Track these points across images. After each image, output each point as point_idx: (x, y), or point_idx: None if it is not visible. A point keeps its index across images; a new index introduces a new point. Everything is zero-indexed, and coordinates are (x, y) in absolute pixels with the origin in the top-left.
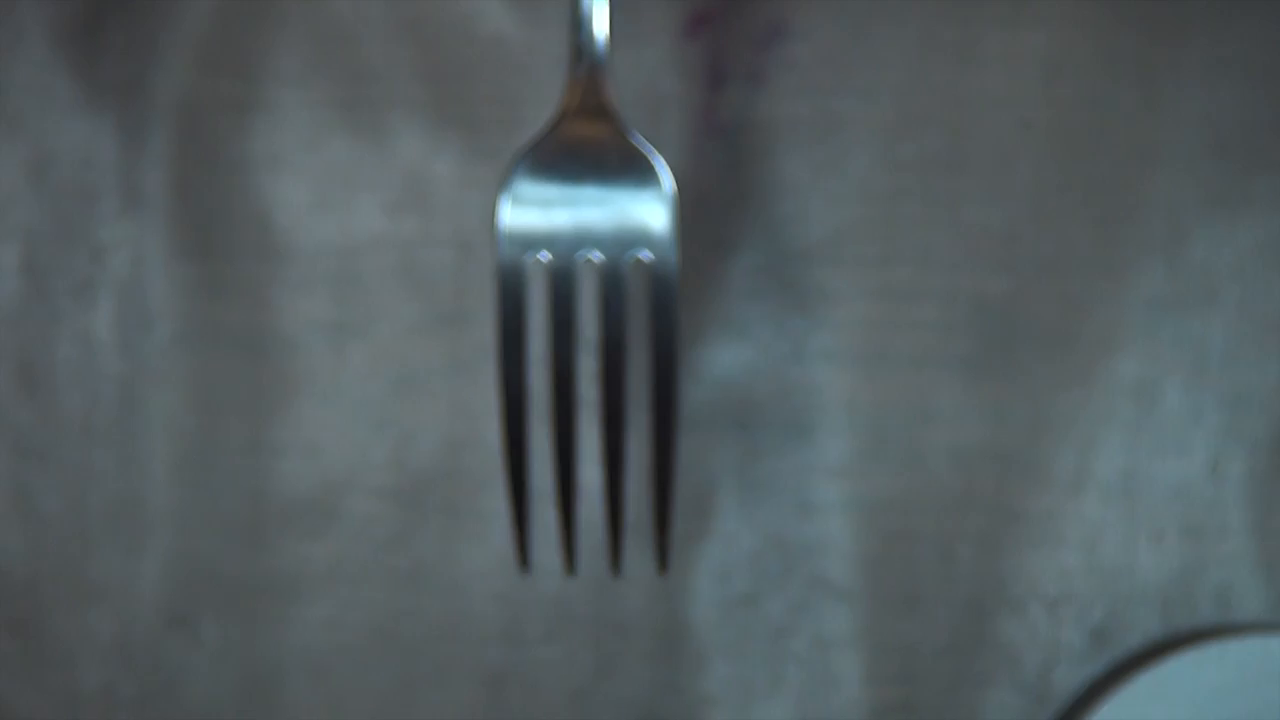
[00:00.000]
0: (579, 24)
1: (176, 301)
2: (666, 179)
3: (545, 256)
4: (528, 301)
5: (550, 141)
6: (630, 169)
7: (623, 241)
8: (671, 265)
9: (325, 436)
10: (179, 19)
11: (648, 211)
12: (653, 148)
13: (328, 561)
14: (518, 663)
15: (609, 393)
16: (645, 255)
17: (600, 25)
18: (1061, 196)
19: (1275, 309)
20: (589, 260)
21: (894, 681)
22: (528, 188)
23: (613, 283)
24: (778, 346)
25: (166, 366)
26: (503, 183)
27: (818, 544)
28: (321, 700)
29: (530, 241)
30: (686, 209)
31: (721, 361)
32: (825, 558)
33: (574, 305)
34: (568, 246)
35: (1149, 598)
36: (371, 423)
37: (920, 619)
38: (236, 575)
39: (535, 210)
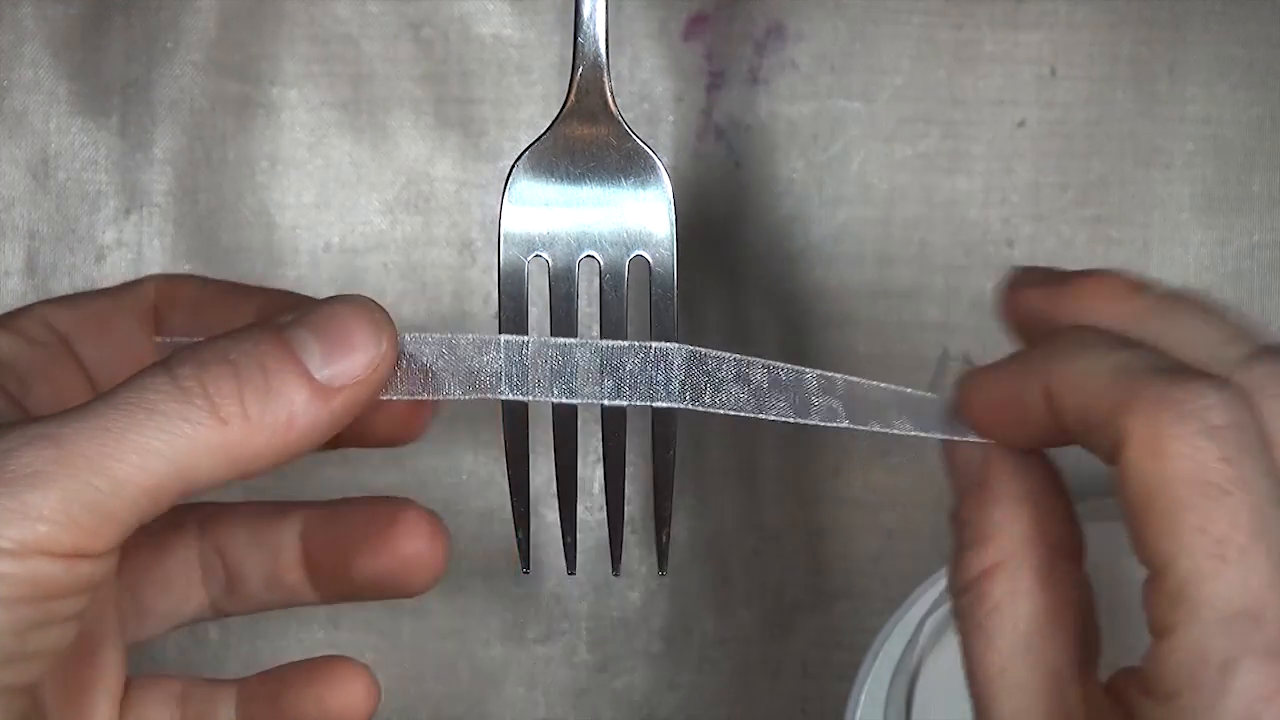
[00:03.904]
0: (579, 24)
1: None
2: (666, 179)
3: (545, 257)
4: (528, 302)
5: (550, 141)
6: (630, 169)
7: (623, 242)
8: (671, 265)
9: None
10: (181, 21)
11: (648, 212)
12: (653, 148)
13: None
14: (518, 661)
15: None
16: (645, 255)
17: (600, 25)
18: (1060, 197)
19: (1275, 309)
20: (589, 260)
21: None
22: (528, 188)
23: (613, 283)
24: (778, 346)
25: None
26: (503, 183)
27: (817, 543)
28: None
29: (531, 242)
30: (686, 209)
31: None
32: (825, 557)
33: (574, 305)
34: (568, 247)
35: None
36: None
37: None
38: None
39: (535, 211)
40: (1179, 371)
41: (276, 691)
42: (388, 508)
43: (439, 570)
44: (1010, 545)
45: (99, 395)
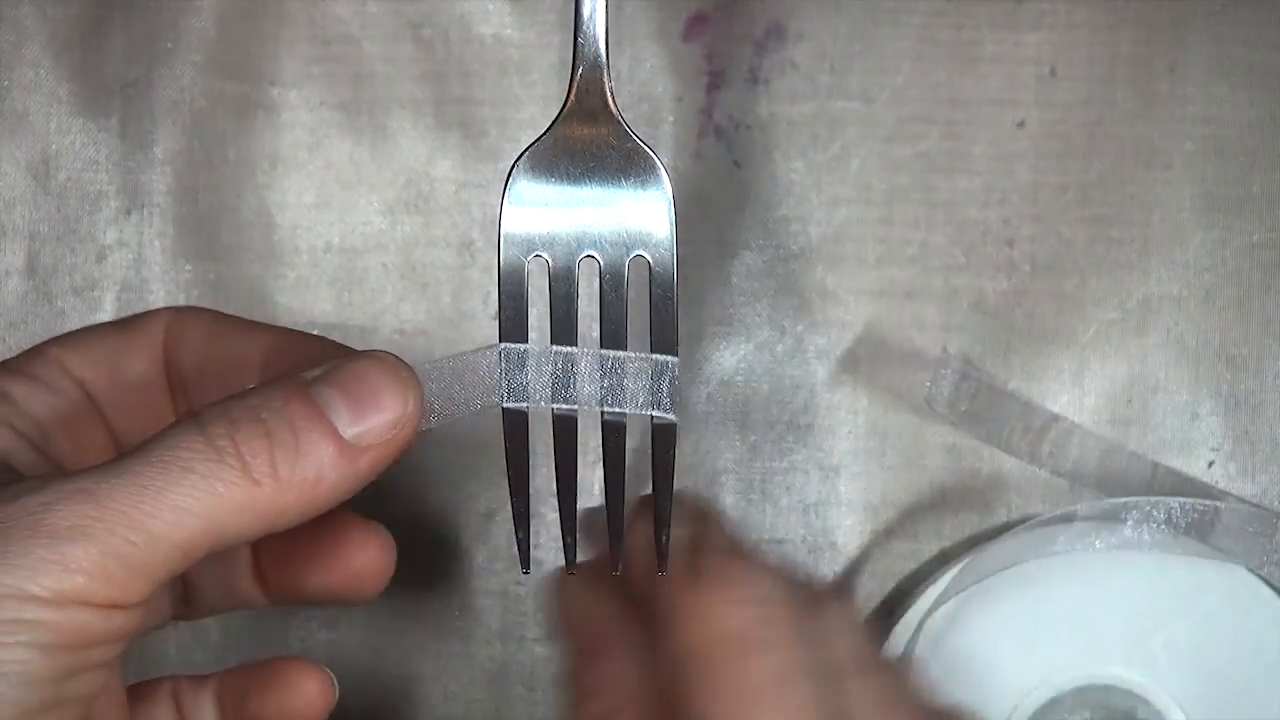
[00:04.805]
0: (579, 24)
1: (179, 301)
2: (666, 179)
3: (546, 257)
4: (528, 302)
5: (550, 142)
6: (630, 169)
7: (623, 242)
8: (671, 265)
9: None
10: (180, 22)
11: (648, 212)
12: (653, 148)
13: None
14: (518, 660)
15: None
16: (645, 255)
17: (600, 25)
18: (1060, 197)
19: (1275, 309)
20: (589, 260)
21: None
22: (528, 188)
23: (613, 283)
24: (778, 346)
25: None
26: (503, 183)
27: (817, 544)
28: None
29: (531, 242)
30: (686, 209)
31: (721, 362)
32: (825, 557)
33: (574, 305)
34: (568, 247)
35: None
36: None
37: None
38: None
39: (535, 211)
40: (722, 551)
41: (242, 694)
42: (335, 523)
43: (387, 578)
44: (621, 698)
45: (134, 450)
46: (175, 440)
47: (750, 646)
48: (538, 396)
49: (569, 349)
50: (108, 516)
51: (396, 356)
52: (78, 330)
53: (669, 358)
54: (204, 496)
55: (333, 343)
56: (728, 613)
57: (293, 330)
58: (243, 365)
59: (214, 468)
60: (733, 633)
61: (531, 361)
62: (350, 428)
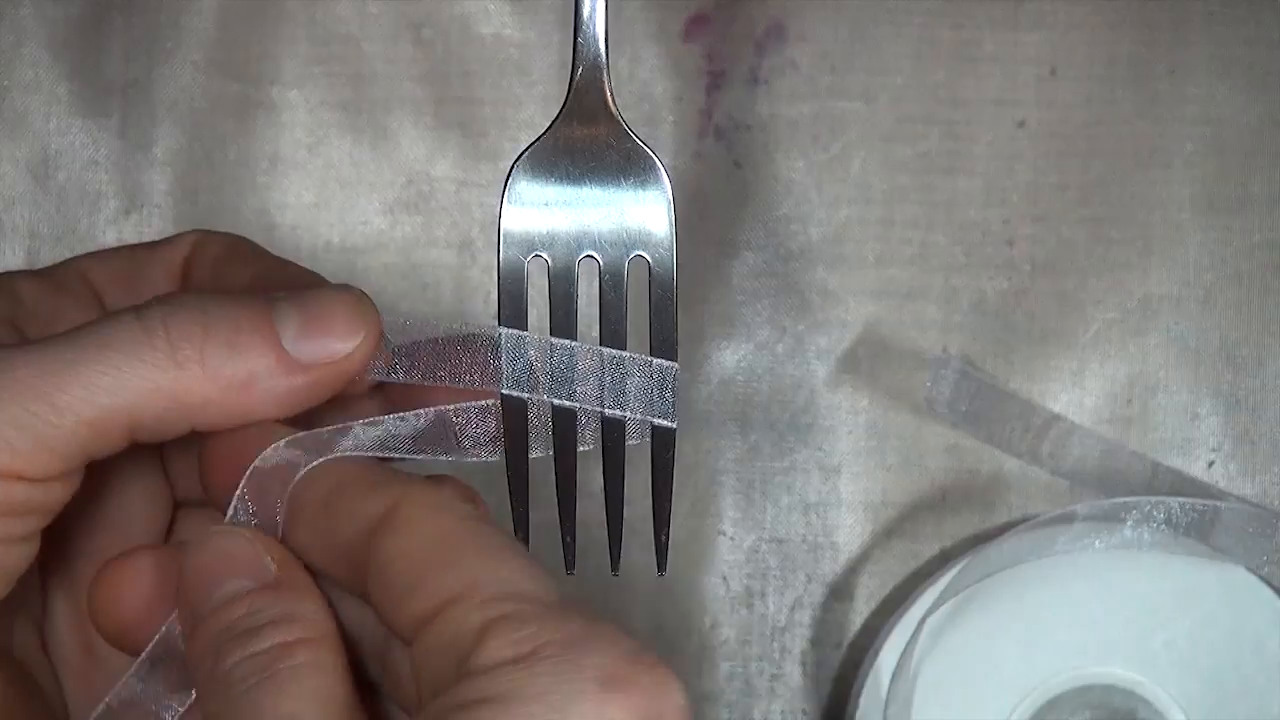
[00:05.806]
0: (579, 24)
1: None
2: (666, 179)
3: (545, 257)
4: (528, 302)
5: (550, 142)
6: (630, 169)
7: (623, 242)
8: (671, 265)
9: None
10: (181, 21)
11: (647, 212)
12: (652, 148)
13: None
14: None
15: None
16: (645, 255)
17: (600, 25)
18: (1060, 197)
19: (1275, 309)
20: (589, 260)
21: None
22: (528, 188)
23: (613, 283)
24: (778, 346)
25: None
26: (503, 183)
27: (817, 543)
28: None
29: (530, 242)
30: (686, 209)
31: (721, 361)
32: (825, 557)
33: (574, 305)
34: (568, 247)
35: None
36: None
37: None
38: None
39: (535, 211)
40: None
41: None
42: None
43: None
44: (321, 630)
45: (68, 330)
46: (106, 320)
47: (487, 524)
48: (538, 387)
49: (571, 342)
50: (11, 385)
51: (369, 297)
52: (109, 248)
53: (670, 364)
54: (119, 374)
55: (321, 278)
56: (460, 507)
57: (292, 263)
58: (231, 288)
59: (136, 347)
60: (472, 517)
61: (532, 350)
62: (295, 342)
